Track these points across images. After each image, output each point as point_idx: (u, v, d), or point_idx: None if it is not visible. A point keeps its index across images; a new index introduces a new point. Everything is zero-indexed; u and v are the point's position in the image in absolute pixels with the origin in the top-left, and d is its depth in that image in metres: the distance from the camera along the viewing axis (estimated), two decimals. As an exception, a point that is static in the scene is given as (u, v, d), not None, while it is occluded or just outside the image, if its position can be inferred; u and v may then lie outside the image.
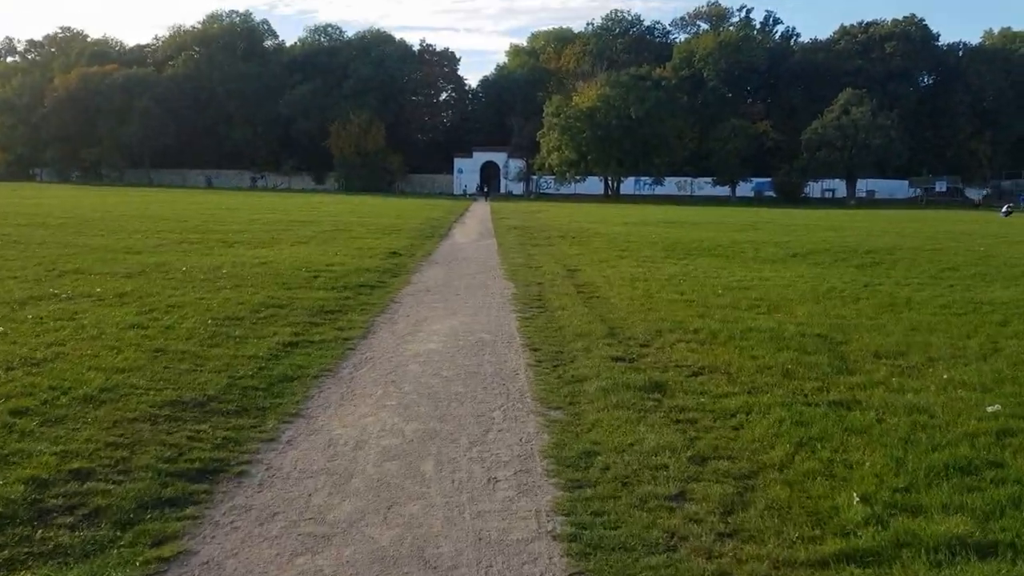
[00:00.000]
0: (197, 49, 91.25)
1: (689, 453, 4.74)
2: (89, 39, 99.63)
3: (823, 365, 6.92)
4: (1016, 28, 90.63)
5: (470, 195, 74.91)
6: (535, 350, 7.71)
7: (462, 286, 12.80)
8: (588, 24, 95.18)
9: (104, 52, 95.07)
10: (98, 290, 10.38)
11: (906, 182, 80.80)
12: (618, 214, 39.25)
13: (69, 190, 57.91)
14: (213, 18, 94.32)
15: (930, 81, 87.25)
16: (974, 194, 78.54)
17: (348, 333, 8.44)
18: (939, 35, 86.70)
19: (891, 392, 6.09)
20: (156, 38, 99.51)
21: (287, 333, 8.13)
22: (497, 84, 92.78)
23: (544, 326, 9.02)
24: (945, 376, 6.53)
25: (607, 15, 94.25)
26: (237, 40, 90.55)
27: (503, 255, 18.61)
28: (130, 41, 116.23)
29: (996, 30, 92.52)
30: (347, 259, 15.69)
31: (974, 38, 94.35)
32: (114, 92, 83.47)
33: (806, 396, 5.96)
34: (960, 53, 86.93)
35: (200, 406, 5.57)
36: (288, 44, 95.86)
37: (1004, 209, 48.73)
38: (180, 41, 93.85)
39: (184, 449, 4.72)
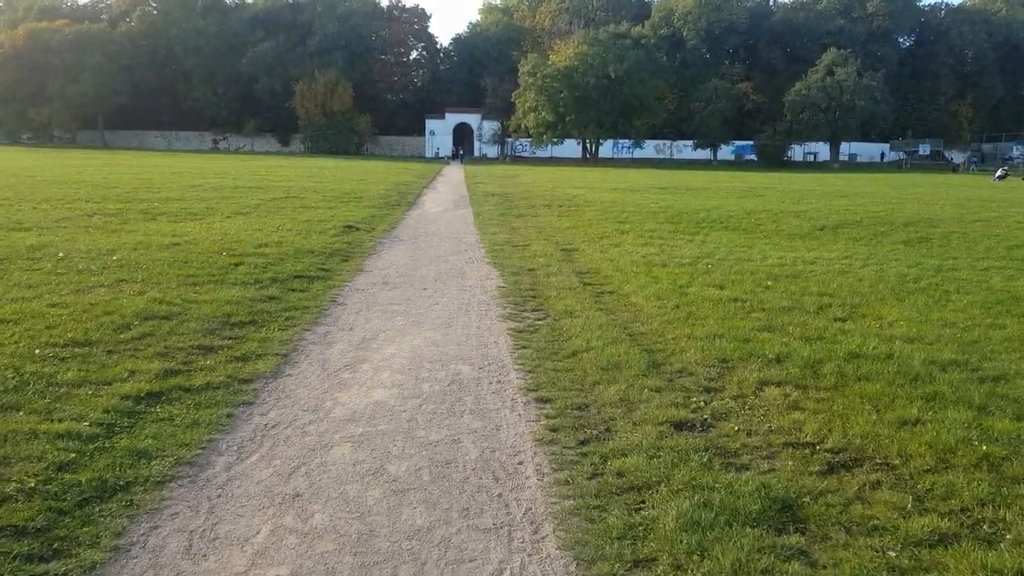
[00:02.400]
0: (154, 4, 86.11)
1: None
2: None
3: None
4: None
5: (443, 157, 71.52)
6: (544, 402, 4.86)
7: (431, 275, 9.88)
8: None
9: (54, 7, 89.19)
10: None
11: (887, 145, 78.82)
12: (602, 179, 36.30)
13: (9, 152, 53.51)
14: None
15: (912, 42, 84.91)
16: (958, 158, 76.79)
17: (251, 368, 5.51)
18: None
19: None
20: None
21: (150, 374, 5.19)
22: (470, 43, 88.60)
23: (549, 348, 6.16)
24: None
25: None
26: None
27: (482, 229, 15.68)
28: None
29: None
30: (288, 236, 12.67)
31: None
32: (64, 49, 78.42)
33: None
34: (942, 13, 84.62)
35: None
36: (250, 0, 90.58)
37: (998, 173, 46.56)
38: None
39: None
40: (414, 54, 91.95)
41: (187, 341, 6.06)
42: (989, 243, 13.30)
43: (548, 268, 10.29)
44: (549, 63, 67.07)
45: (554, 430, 4.36)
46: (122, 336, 6.09)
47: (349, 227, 14.69)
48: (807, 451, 3.98)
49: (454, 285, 9.18)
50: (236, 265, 9.52)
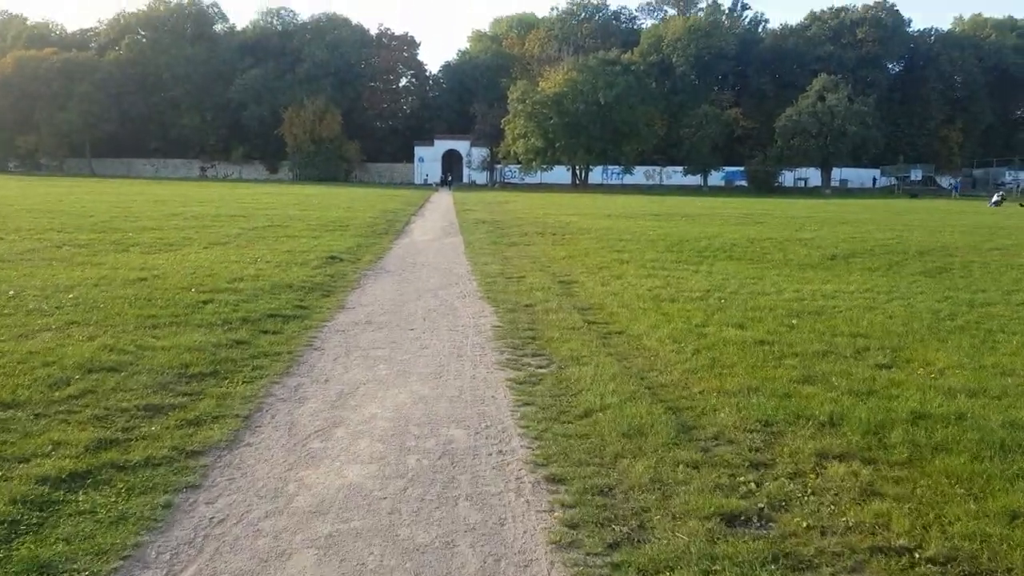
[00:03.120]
0: (143, 32, 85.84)
1: None
2: (28, 22, 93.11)
3: None
4: (987, 14, 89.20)
5: (432, 184, 70.95)
6: (557, 483, 3.96)
7: (420, 312, 8.99)
8: (552, 9, 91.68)
9: (43, 35, 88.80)
10: None
11: (877, 171, 78.80)
12: (594, 205, 35.62)
13: (-10, 180, 52.43)
14: (160, 0, 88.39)
15: (902, 68, 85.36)
16: (946, 183, 76.84)
17: (203, 436, 4.60)
18: (911, 21, 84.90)
19: None
20: (99, 21, 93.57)
21: (79, 447, 4.26)
22: (459, 70, 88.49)
23: (556, 405, 5.28)
24: None
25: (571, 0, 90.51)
26: (185, 23, 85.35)
27: (472, 259, 14.83)
28: (72, 26, 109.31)
29: (967, 16, 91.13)
30: (266, 269, 11.77)
31: (945, 24, 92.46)
32: (52, 77, 78.00)
33: None
34: (932, 39, 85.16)
35: None
36: (239, 28, 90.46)
37: (994, 199, 46.19)
38: (124, 24, 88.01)
39: None
40: (403, 81, 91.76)
41: (132, 400, 5.14)
42: (1015, 274, 12.54)
43: (547, 304, 9.43)
44: (538, 90, 66.81)
45: (573, 526, 3.47)
46: (57, 394, 5.17)
47: (333, 258, 13.81)
48: (904, 562, 3.10)
49: (445, 324, 8.29)
50: (204, 303, 8.60)
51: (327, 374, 6.12)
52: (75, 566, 3.10)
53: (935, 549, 3.16)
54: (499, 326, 8.13)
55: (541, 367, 6.39)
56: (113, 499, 3.70)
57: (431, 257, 15.27)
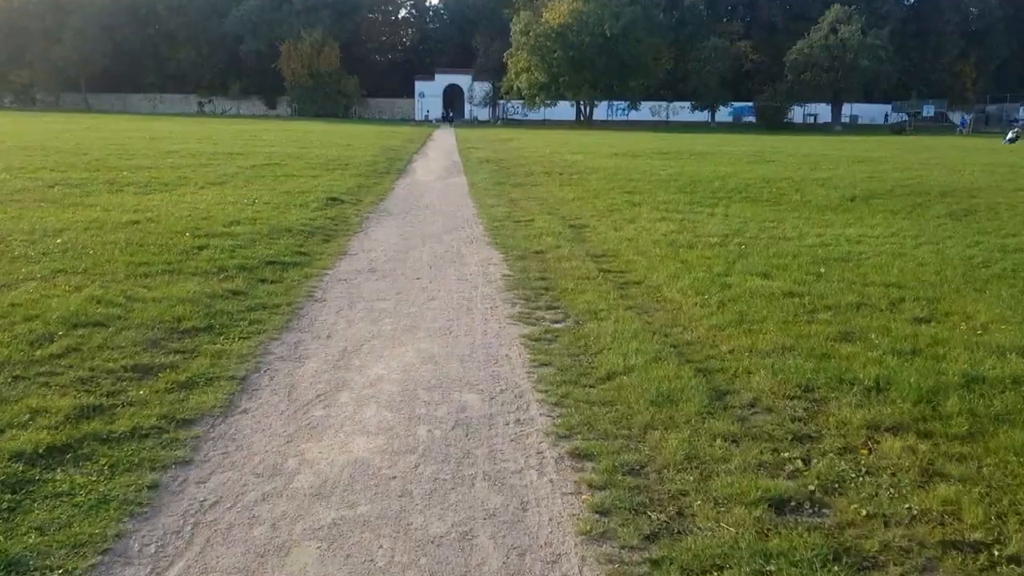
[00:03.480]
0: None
1: None
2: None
3: None
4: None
5: (433, 120, 69.66)
6: (583, 459, 3.60)
7: (425, 259, 8.57)
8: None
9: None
10: None
11: (888, 107, 77.11)
12: (600, 142, 34.76)
13: (-17, 116, 51.37)
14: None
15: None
16: (958, 119, 75.24)
17: (195, 402, 4.23)
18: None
19: None
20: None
21: (59, 415, 3.90)
22: (460, 1, 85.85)
23: (576, 366, 4.89)
24: None
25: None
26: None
27: (478, 200, 14.33)
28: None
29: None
30: (264, 211, 11.30)
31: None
32: (44, 10, 75.93)
33: None
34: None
35: None
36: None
37: (1009, 135, 45.11)
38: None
39: None
40: (403, 13, 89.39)
41: (120, 359, 4.76)
42: (1042, 216, 12.05)
43: (558, 250, 8.99)
44: (542, 21, 64.80)
45: (604, 512, 3.11)
46: (39, 353, 4.79)
47: (333, 199, 13.31)
48: (982, 560, 2.75)
49: (452, 272, 7.88)
50: (199, 249, 8.18)
51: (329, 329, 5.74)
52: (48, 562, 2.76)
53: (1017, 545, 2.81)
54: (509, 275, 7.72)
55: (556, 322, 6.00)
56: (94, 478, 3.36)
57: (435, 199, 14.76)
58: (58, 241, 8.24)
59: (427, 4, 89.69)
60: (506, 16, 71.74)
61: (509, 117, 73.96)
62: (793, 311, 6.07)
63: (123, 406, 4.11)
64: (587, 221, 11.58)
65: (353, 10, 79.56)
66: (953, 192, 14.74)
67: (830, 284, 7.10)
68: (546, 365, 4.94)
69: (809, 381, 4.47)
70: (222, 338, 5.34)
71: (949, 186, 15.72)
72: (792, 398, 4.27)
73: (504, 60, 67.64)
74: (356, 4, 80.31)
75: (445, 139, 38.92)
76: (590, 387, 4.52)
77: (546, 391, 4.47)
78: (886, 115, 75.85)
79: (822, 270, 7.69)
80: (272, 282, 7.10)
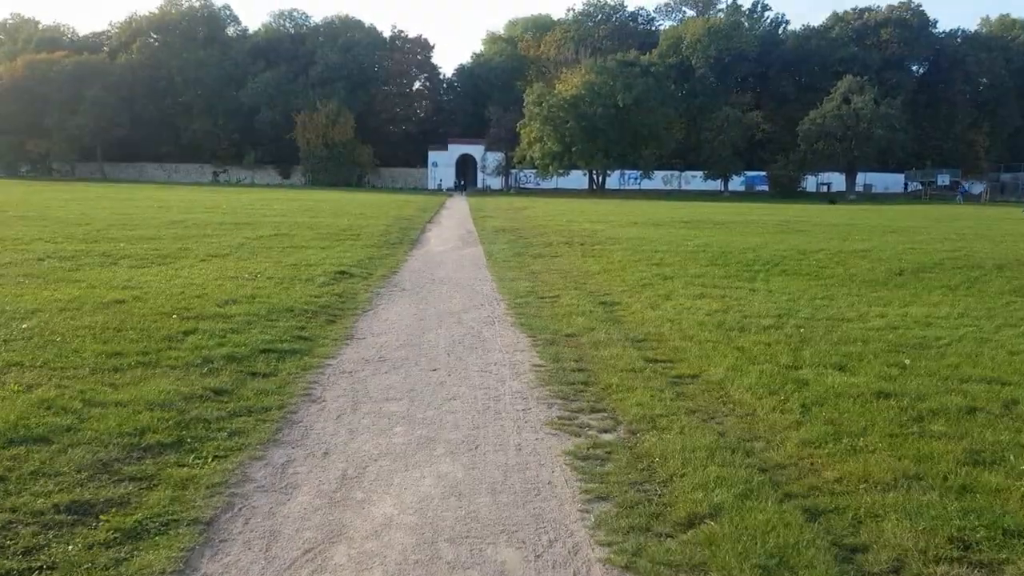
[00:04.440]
0: (154, 36, 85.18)
1: None
2: (40, 26, 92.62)
3: None
4: (1015, 15, 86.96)
5: (446, 189, 69.71)
6: None
7: (443, 345, 7.51)
8: (568, 10, 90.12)
9: (54, 39, 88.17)
10: None
11: (901, 176, 76.82)
12: (617, 211, 34.07)
13: (2, 185, 51.46)
14: (171, 3, 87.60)
15: (927, 70, 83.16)
16: (975, 188, 74.84)
17: (139, 564, 3.13)
18: (936, 21, 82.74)
19: None
20: (111, 24, 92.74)
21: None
22: (474, 73, 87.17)
23: (643, 503, 3.75)
24: None
25: (588, 1, 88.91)
26: (197, 26, 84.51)
27: (496, 273, 13.36)
28: (84, 29, 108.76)
29: (994, 17, 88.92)
30: (266, 288, 10.34)
31: (971, 25, 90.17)
32: (63, 81, 77.23)
33: None
34: (958, 40, 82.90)
35: None
36: (251, 31, 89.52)
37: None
38: (136, 27, 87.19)
39: None
40: (417, 84, 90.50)
41: (55, 494, 3.68)
42: (1118, 292, 10.94)
43: (592, 333, 7.94)
44: (555, 92, 65.28)
45: None
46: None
47: (342, 273, 12.38)
48: None
49: (474, 362, 6.81)
50: (185, 334, 7.17)
51: (327, 442, 4.65)
52: None
53: None
54: (541, 365, 6.64)
55: (605, 431, 4.90)
56: None
57: (450, 271, 13.81)
58: (25, 326, 7.26)
59: (441, 77, 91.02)
60: (518, 88, 72.51)
61: (522, 186, 73.96)
62: (895, 419, 4.95)
63: (37, 573, 3.01)
64: (618, 297, 10.55)
65: (368, 82, 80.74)
66: (1008, 265, 13.68)
67: (922, 380, 5.99)
68: (603, 499, 3.83)
69: (962, 533, 3.33)
70: (192, 457, 4.27)
71: (1000, 258, 14.67)
72: (948, 560, 3.14)
73: (517, 130, 67.94)
74: (371, 76, 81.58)
75: (459, 208, 38.37)
76: (668, 537, 3.39)
77: (610, 544, 3.35)
78: (906, 184, 75.17)
79: (907, 361, 6.58)
80: (265, 376, 6.04)
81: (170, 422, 4.74)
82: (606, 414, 5.25)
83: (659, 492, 3.87)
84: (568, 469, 4.24)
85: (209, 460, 4.24)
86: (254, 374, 6.07)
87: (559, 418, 5.17)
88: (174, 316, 7.92)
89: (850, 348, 7.15)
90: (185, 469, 4.10)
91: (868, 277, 12.64)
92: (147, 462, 4.16)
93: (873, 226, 24.69)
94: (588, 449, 4.54)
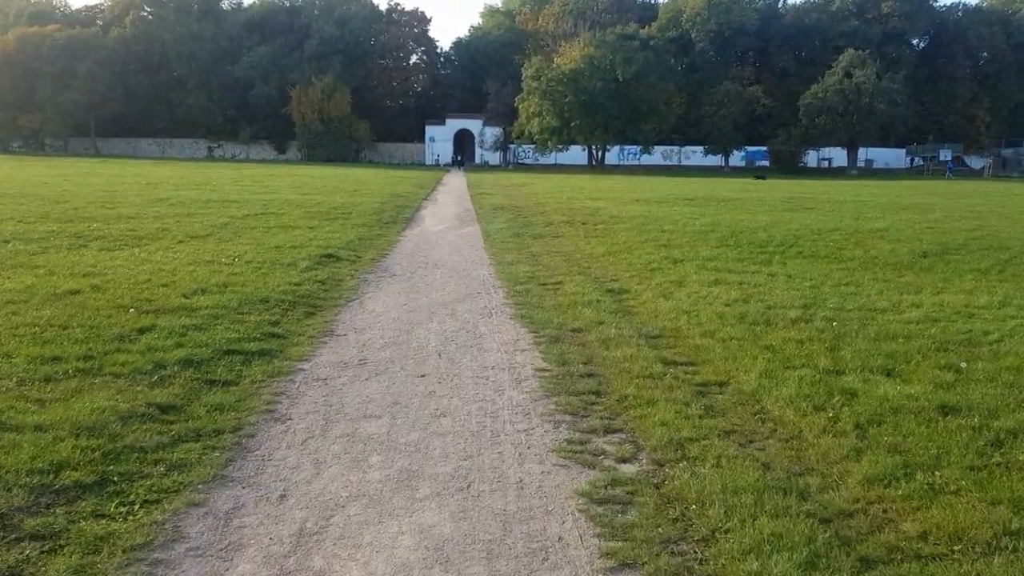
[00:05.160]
0: (148, 9, 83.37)
1: None
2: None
3: None
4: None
5: (444, 165, 68.58)
6: None
7: (433, 344, 6.66)
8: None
9: (46, 12, 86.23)
10: None
11: (902, 151, 75.77)
12: (618, 187, 33.10)
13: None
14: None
15: (927, 44, 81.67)
16: (975, 163, 74.02)
17: None
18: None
19: None
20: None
21: None
22: (471, 47, 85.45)
23: (680, 573, 2.96)
24: None
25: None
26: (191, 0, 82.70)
27: (495, 256, 12.50)
28: (77, 3, 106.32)
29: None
30: (242, 273, 9.47)
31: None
32: (55, 55, 75.67)
33: None
34: (959, 14, 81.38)
35: None
36: (246, 4, 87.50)
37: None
38: (129, 1, 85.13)
39: None
40: (414, 58, 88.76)
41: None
42: None
43: (601, 328, 7.09)
44: (554, 66, 63.92)
45: None
46: None
47: (328, 256, 11.50)
48: None
49: (468, 364, 5.97)
50: (140, 332, 6.31)
51: (285, 479, 3.82)
52: None
53: None
54: (545, 369, 5.80)
55: (625, 460, 4.07)
56: None
57: (445, 253, 12.94)
58: (-41, 322, 6.40)
59: (438, 51, 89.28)
60: (517, 62, 71.04)
61: (520, 161, 72.81)
62: (970, 444, 4.12)
63: None
64: (626, 284, 9.70)
65: (364, 56, 79.14)
66: (1038, 246, 12.84)
67: (985, 389, 5.16)
68: (629, 568, 3.00)
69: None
70: (116, 503, 3.43)
71: (1028, 238, 13.83)
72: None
73: (515, 105, 66.65)
74: (367, 50, 79.94)
75: (456, 184, 37.37)
76: (719, 633, 2.56)
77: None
78: (911, 159, 73.89)
79: (962, 364, 5.75)
80: (224, 385, 5.20)
81: (96, 453, 3.89)
82: (624, 436, 4.42)
83: (699, 556, 3.05)
84: (583, 518, 3.41)
85: (136, 508, 3.41)
86: (212, 383, 5.22)
87: (568, 442, 4.34)
88: (132, 310, 7.05)
89: (892, 346, 6.32)
90: (103, 522, 3.27)
91: (891, 260, 11.79)
92: (57, 512, 3.33)
93: (883, 204, 23.78)
94: (605, 488, 3.71)
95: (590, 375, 5.61)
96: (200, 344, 6.05)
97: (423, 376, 5.62)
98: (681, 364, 5.87)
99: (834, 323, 7.21)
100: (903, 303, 8.37)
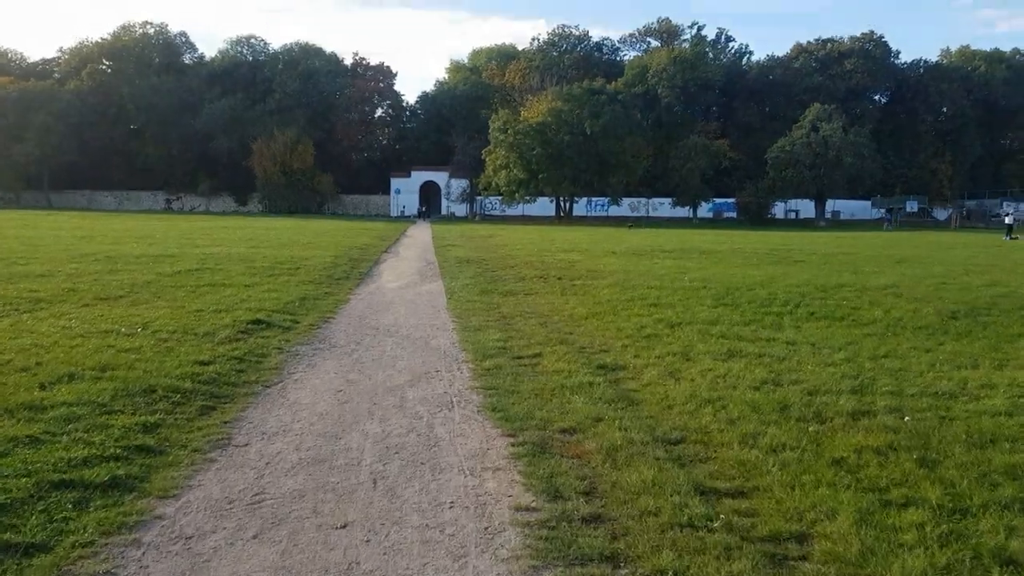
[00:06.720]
0: (106, 62, 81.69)
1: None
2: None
3: None
4: (975, 47, 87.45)
5: (409, 216, 67.09)
6: None
7: (367, 465, 4.70)
8: (533, 40, 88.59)
9: (1, 65, 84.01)
10: None
11: (868, 202, 76.23)
12: (589, 239, 31.58)
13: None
14: (125, 29, 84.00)
15: (889, 100, 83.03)
16: (940, 215, 74.78)
17: None
18: (899, 52, 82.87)
19: None
20: (61, 51, 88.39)
21: None
22: (437, 100, 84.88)
23: None
24: None
25: (553, 31, 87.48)
26: (152, 53, 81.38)
27: (459, 318, 10.63)
28: (35, 56, 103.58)
29: (954, 48, 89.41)
30: (140, 348, 7.48)
31: (933, 56, 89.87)
32: (8, 107, 73.74)
33: None
34: (921, 70, 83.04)
35: None
36: (208, 58, 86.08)
37: (1010, 232, 42.64)
38: (87, 54, 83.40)
39: None
40: (379, 112, 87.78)
41: None
42: None
43: (601, 428, 5.24)
44: (521, 119, 63.19)
45: None
46: None
47: (256, 323, 9.53)
48: None
49: (415, 504, 4.05)
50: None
51: None
52: None
53: None
54: (528, 508, 3.91)
55: None
56: None
57: (401, 316, 11.04)
58: None
59: (404, 104, 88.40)
60: (483, 116, 70.29)
61: (487, 213, 71.55)
62: None
63: None
64: (619, 356, 7.89)
65: (328, 110, 78.03)
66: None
67: None
68: None
69: None
70: None
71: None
72: None
73: (482, 157, 65.64)
74: (332, 104, 78.86)
75: (421, 236, 35.61)
76: None
77: None
78: (889, 211, 73.55)
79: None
80: (25, 557, 3.23)
81: None
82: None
83: None
84: None
85: None
86: (8, 549, 3.25)
87: None
88: (-49, 412, 5.05)
89: (1002, 457, 4.56)
90: None
91: (917, 322, 10.15)
92: None
93: (873, 256, 22.45)
94: None
95: (596, 519, 3.74)
96: (23, 470, 4.07)
97: (343, 528, 3.69)
98: (727, 496, 4.03)
99: (906, 419, 5.45)
100: (969, 383, 6.67)
